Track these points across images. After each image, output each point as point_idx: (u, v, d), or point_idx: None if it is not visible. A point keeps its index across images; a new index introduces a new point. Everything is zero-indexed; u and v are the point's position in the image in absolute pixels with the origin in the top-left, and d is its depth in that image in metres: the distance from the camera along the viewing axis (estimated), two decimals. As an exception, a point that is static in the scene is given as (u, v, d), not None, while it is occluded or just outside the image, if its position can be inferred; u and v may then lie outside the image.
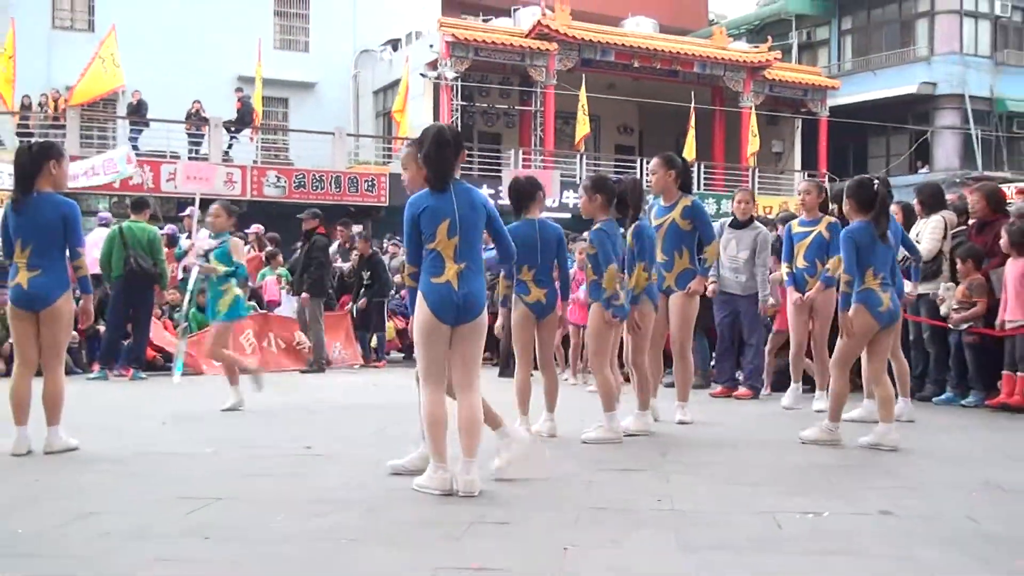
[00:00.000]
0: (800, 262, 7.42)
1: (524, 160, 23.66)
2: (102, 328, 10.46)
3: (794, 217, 8.37)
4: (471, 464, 4.23)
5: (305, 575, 3.08)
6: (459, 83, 23.62)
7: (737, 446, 5.84)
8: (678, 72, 25.91)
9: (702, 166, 25.57)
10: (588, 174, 23.72)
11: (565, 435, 6.01)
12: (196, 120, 21.77)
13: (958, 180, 23.90)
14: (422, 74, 23.62)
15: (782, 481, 4.67)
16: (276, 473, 4.84)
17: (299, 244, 12.06)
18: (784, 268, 7.64)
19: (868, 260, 5.52)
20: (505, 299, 6.02)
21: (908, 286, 7.18)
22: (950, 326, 7.77)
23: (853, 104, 28.29)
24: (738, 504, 4.13)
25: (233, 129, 22.09)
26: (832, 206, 7.87)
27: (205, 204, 13.75)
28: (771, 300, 8.27)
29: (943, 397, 7.93)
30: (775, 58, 26.78)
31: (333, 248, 13.47)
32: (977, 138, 28.09)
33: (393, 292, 12.94)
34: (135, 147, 19.00)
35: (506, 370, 9.96)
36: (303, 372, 11.24)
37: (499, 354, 11.06)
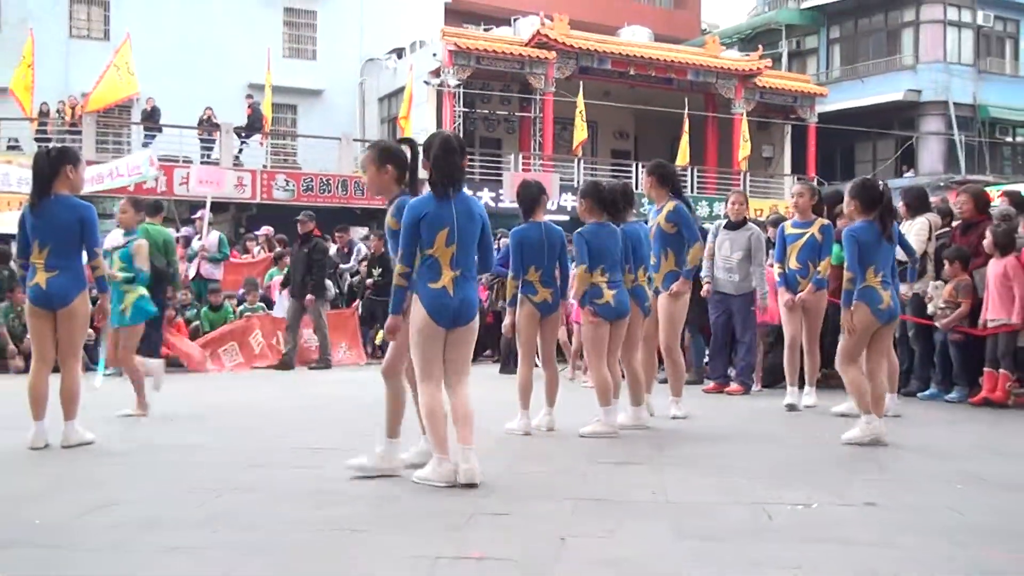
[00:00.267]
0: (793, 263, 7.33)
1: (524, 164, 23.66)
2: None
3: (784, 219, 8.37)
4: (470, 452, 4.24)
5: (312, 563, 3.08)
6: (461, 90, 23.62)
7: (729, 440, 5.84)
8: (672, 80, 25.92)
9: (695, 170, 25.60)
10: (585, 178, 23.89)
11: (563, 429, 6.02)
12: (208, 126, 21.76)
13: (942, 184, 23.88)
14: (425, 82, 23.62)
15: (772, 474, 4.66)
16: (283, 466, 4.83)
17: (294, 246, 11.93)
18: (776, 269, 7.56)
19: (870, 259, 5.47)
20: (513, 299, 6.03)
21: (903, 287, 7.14)
22: (936, 324, 7.77)
23: (841, 110, 28.29)
24: (730, 496, 4.13)
25: (244, 134, 22.09)
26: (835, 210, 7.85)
27: (216, 207, 13.85)
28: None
29: (928, 393, 7.93)
30: (765, 66, 26.80)
31: (332, 252, 13.47)
32: (960, 143, 28.10)
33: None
34: (149, 152, 19.02)
35: (506, 367, 9.96)
36: (311, 368, 11.24)
37: (500, 352, 11.09)
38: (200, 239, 13.02)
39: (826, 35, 31.13)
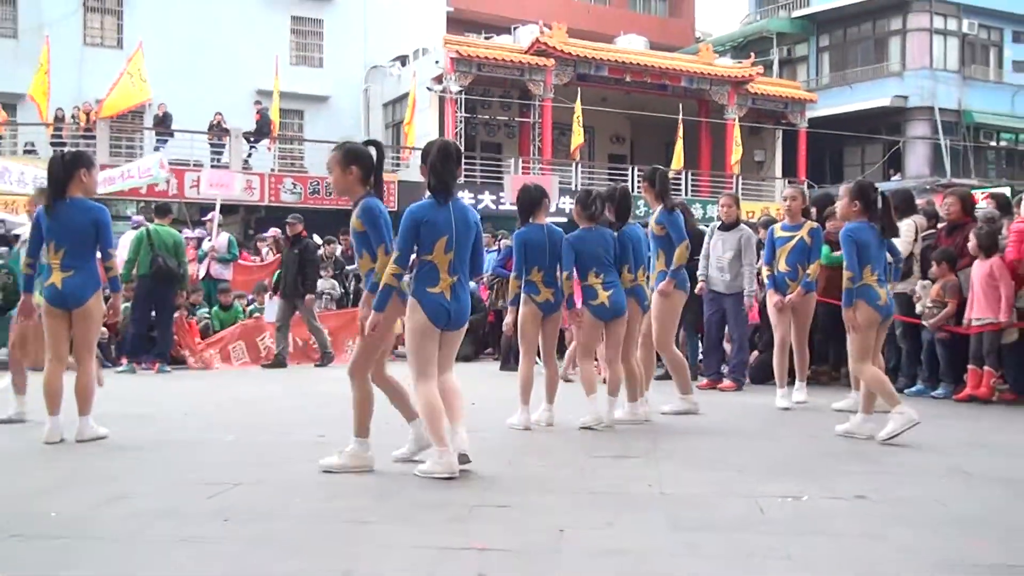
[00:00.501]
0: (782, 266, 7.23)
1: (524, 168, 23.66)
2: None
3: (775, 221, 8.37)
4: (458, 425, 4.41)
5: (319, 554, 3.08)
6: (463, 96, 23.62)
7: (722, 435, 5.84)
8: (667, 86, 25.90)
9: (689, 174, 25.63)
10: (583, 181, 23.90)
11: (562, 425, 6.02)
12: (218, 131, 21.77)
13: (928, 187, 23.92)
14: (428, 88, 23.62)
15: (764, 467, 4.67)
16: (292, 459, 4.84)
17: (284, 247, 11.77)
18: (765, 271, 7.50)
19: (867, 258, 5.43)
20: (515, 298, 6.03)
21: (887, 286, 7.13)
22: (924, 323, 7.77)
23: (830, 116, 28.32)
24: (723, 488, 4.13)
25: (252, 139, 22.10)
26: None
27: (226, 209, 13.88)
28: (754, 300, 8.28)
29: (914, 389, 7.93)
30: (757, 73, 26.79)
31: (338, 253, 13.47)
32: (946, 147, 28.11)
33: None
34: (160, 157, 19.03)
35: (507, 365, 9.96)
36: (317, 366, 11.22)
37: (500, 350, 11.08)
38: (210, 240, 13.02)
39: (816, 43, 31.15)
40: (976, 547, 3.19)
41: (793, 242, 7.20)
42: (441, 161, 4.41)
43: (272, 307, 11.85)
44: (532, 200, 5.92)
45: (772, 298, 7.30)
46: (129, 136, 22.06)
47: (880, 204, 5.60)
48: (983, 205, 9.92)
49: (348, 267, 13.33)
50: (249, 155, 22.05)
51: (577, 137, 23.61)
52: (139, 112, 22.14)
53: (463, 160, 4.61)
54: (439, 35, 25.00)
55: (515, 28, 26.45)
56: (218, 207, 13.85)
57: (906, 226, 7.88)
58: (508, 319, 6.26)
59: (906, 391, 7.90)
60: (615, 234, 6.23)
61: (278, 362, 10.96)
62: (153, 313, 10.37)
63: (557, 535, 3.31)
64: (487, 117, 25.93)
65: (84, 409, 5.37)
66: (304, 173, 22.35)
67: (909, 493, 4.07)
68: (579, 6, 32.68)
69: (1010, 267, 7.40)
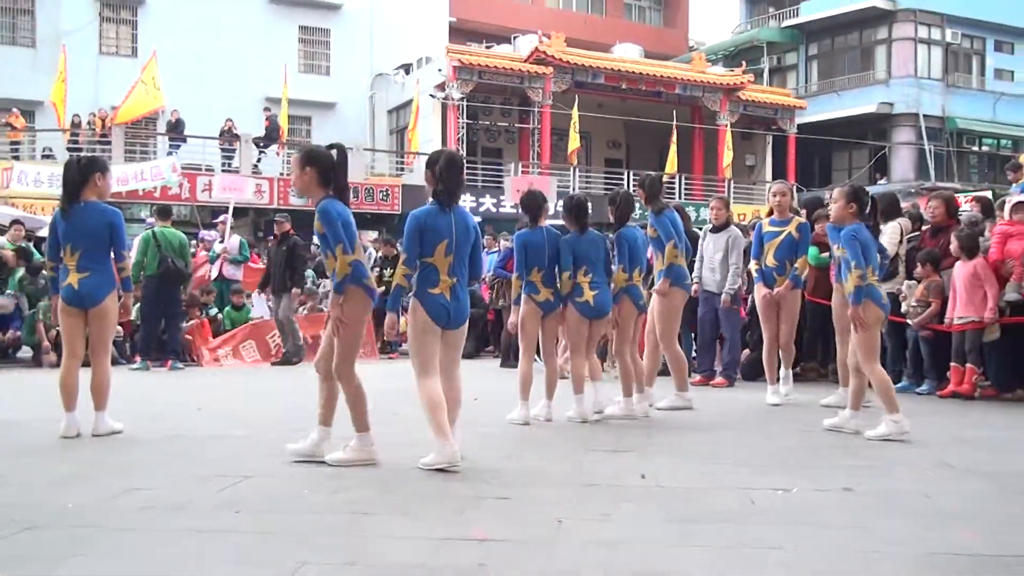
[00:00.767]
0: (770, 260, 7.08)
1: (523, 172, 23.63)
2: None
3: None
4: (455, 428, 4.48)
5: (326, 544, 3.08)
6: (465, 103, 23.64)
7: (714, 430, 5.83)
8: (661, 93, 25.92)
9: (683, 178, 25.63)
10: (580, 185, 23.88)
11: (560, 420, 6.02)
12: (228, 136, 21.77)
13: (913, 190, 23.90)
14: (431, 95, 23.63)
15: (755, 461, 4.66)
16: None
17: (272, 246, 11.64)
18: (753, 265, 7.37)
19: (870, 259, 5.33)
20: (517, 298, 6.04)
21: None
22: (908, 322, 7.77)
23: (818, 122, 28.33)
24: (716, 481, 4.13)
25: (262, 144, 22.10)
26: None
27: (237, 212, 13.89)
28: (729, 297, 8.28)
29: (900, 386, 7.89)
30: (748, 81, 26.81)
31: None
32: (930, 152, 28.12)
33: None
34: (173, 161, 19.03)
35: (507, 362, 9.96)
36: (274, 364, 10.92)
37: (500, 347, 11.08)
38: (222, 242, 13.02)
39: (805, 52, 31.15)
40: (960, 538, 3.19)
41: (781, 237, 7.06)
42: (447, 170, 4.48)
43: (261, 304, 11.81)
44: (536, 204, 5.97)
45: (760, 292, 7.18)
46: (143, 141, 22.08)
47: (879, 205, 5.57)
48: (966, 208, 9.92)
49: None
50: (259, 160, 22.05)
51: (573, 142, 23.63)
52: (153, 118, 22.19)
53: (464, 170, 4.65)
54: (442, 44, 25.02)
55: (515, 38, 26.47)
56: (231, 210, 13.85)
57: (892, 228, 7.86)
58: (512, 318, 6.25)
59: (892, 387, 7.90)
60: (609, 236, 6.24)
61: (287, 359, 10.92)
62: (162, 312, 10.34)
63: (556, 526, 3.31)
64: (488, 123, 25.95)
65: (100, 405, 5.37)
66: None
67: (895, 486, 4.08)
68: (577, 16, 32.67)
69: (993, 267, 7.40)
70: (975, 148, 30.44)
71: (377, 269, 12.80)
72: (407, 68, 26.10)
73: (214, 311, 11.89)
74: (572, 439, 5.39)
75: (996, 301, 7.27)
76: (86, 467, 4.49)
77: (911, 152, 28.48)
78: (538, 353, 6.38)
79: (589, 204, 6.46)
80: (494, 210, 21.52)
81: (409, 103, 23.66)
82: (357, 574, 2.80)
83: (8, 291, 10.74)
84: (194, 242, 14.07)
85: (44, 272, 10.45)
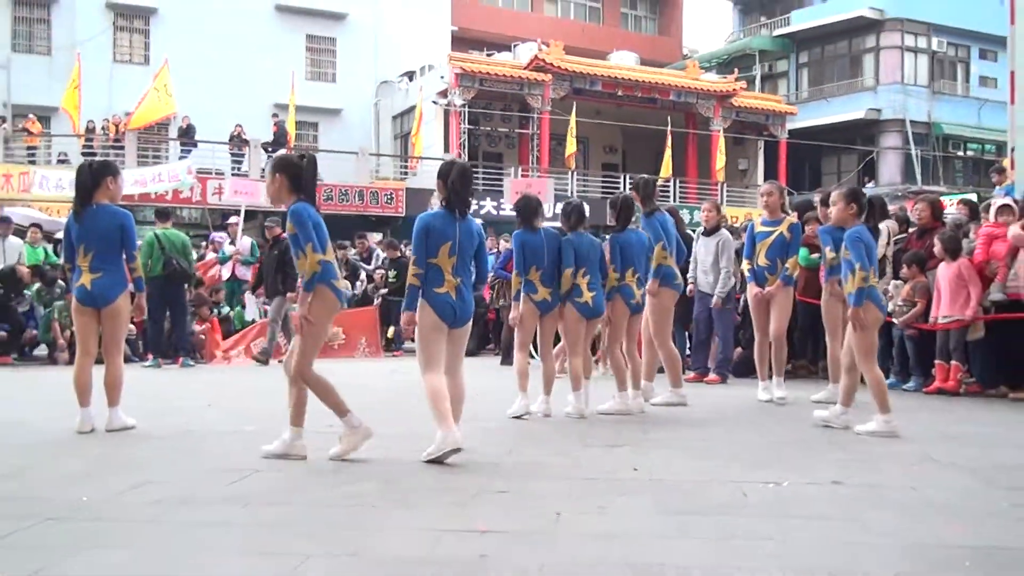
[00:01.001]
0: (762, 260, 6.98)
1: (523, 176, 23.65)
2: None
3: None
4: (459, 424, 4.49)
5: (332, 536, 3.08)
6: (466, 109, 23.63)
7: (707, 425, 5.83)
8: (656, 100, 25.91)
9: (677, 181, 25.62)
10: (578, 188, 23.87)
11: (558, 415, 6.02)
12: (238, 142, 21.78)
13: (900, 194, 23.90)
14: (434, 102, 23.63)
15: (747, 455, 4.66)
16: (307, 448, 4.83)
17: (264, 249, 11.60)
18: (745, 265, 7.28)
19: (872, 260, 5.26)
20: (517, 294, 6.06)
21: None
22: (894, 321, 7.76)
23: (809, 127, 28.34)
24: (709, 475, 4.13)
25: (270, 149, 22.08)
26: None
27: (246, 214, 13.90)
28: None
29: (887, 382, 7.88)
30: (741, 88, 26.81)
31: (354, 256, 13.44)
32: (916, 157, 28.11)
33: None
34: (185, 166, 19.04)
35: (507, 359, 9.96)
36: (254, 358, 10.81)
37: (500, 345, 11.07)
38: (232, 243, 13.02)
39: (795, 60, 31.16)
40: (946, 530, 3.19)
41: (772, 237, 6.95)
42: (459, 181, 4.55)
43: (252, 305, 11.77)
44: (531, 209, 6.00)
45: (751, 291, 7.12)
46: (156, 146, 22.08)
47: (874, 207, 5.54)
48: (952, 211, 9.93)
49: (366, 267, 13.30)
50: (267, 164, 22.01)
51: (571, 146, 23.63)
52: (165, 124, 22.19)
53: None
54: (444, 52, 25.02)
55: (515, 46, 26.46)
56: (242, 213, 13.85)
57: (879, 230, 7.85)
58: (512, 314, 6.28)
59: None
60: (606, 239, 6.27)
61: (259, 359, 10.65)
62: (168, 311, 10.33)
63: (554, 519, 3.30)
64: (489, 129, 25.94)
65: (113, 400, 5.36)
66: (319, 181, 22.32)
67: (883, 479, 4.07)
68: (575, 25, 32.67)
69: (978, 268, 7.40)
70: (960, 153, 30.44)
71: (382, 271, 12.82)
72: (410, 75, 26.10)
73: (226, 310, 11.89)
74: (570, 434, 5.39)
75: (979, 300, 7.27)
76: (100, 461, 4.50)
77: (898, 157, 28.48)
78: (536, 349, 6.38)
79: (587, 208, 6.50)
80: (495, 213, 21.51)
81: (412, 109, 23.66)
82: (361, 565, 2.79)
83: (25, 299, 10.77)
84: (204, 243, 14.11)
85: (59, 281, 10.49)
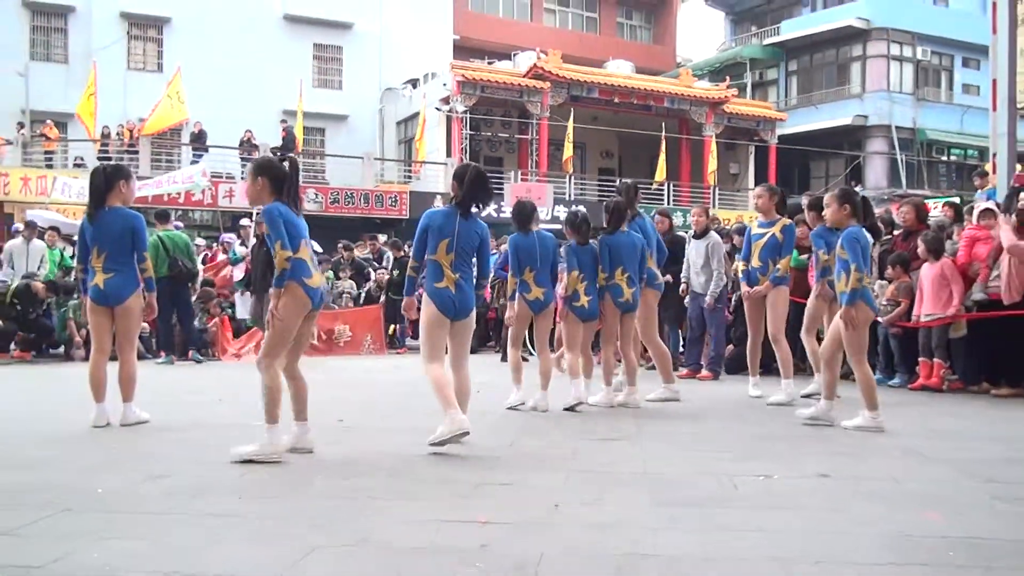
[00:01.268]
0: (755, 261, 6.90)
1: (522, 180, 23.65)
2: None
3: (745, 228, 8.35)
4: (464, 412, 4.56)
5: (338, 526, 3.08)
6: (468, 115, 23.61)
7: (700, 420, 5.83)
8: (651, 106, 25.90)
9: (671, 185, 25.61)
10: (575, 192, 23.84)
11: (556, 410, 6.02)
12: (248, 147, 21.76)
13: (886, 197, 23.90)
14: (437, 108, 23.61)
15: (738, 449, 4.66)
16: (316, 442, 4.83)
17: (254, 246, 11.42)
18: (740, 266, 7.23)
19: (867, 261, 5.22)
20: (513, 293, 6.13)
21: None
22: (880, 319, 7.76)
23: (798, 133, 28.32)
24: (701, 467, 4.13)
25: (279, 154, 21.99)
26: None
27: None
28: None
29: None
30: (732, 95, 26.79)
31: (367, 256, 13.44)
32: (902, 162, 28.11)
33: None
34: (197, 170, 19.03)
35: (507, 356, 9.95)
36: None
37: (501, 343, 11.07)
38: (243, 245, 13.01)
39: (785, 68, 31.15)
40: (929, 520, 3.19)
41: (765, 238, 6.88)
42: (474, 184, 4.63)
43: (244, 303, 11.73)
44: (526, 214, 6.06)
45: (744, 290, 7.08)
46: (168, 151, 22.07)
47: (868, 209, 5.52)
48: (936, 213, 9.93)
49: (378, 267, 13.28)
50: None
51: (567, 151, 23.63)
52: (178, 130, 22.17)
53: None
54: (446, 61, 25.00)
55: (515, 54, 26.44)
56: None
57: (878, 229, 7.82)
58: (509, 313, 6.33)
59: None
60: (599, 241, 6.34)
61: None
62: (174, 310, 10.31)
63: (552, 510, 3.31)
64: (489, 134, 25.91)
65: (127, 396, 5.37)
66: (325, 184, 22.35)
67: (869, 472, 4.07)
68: (572, 35, 32.64)
69: (961, 269, 7.40)
70: (944, 157, 30.42)
71: (384, 271, 12.83)
72: (414, 83, 26.08)
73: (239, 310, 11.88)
74: (568, 428, 5.39)
75: (961, 299, 7.27)
76: (115, 454, 4.50)
77: (884, 161, 28.47)
78: (531, 346, 6.43)
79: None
80: (495, 215, 21.47)
81: (416, 115, 23.64)
82: (365, 554, 2.79)
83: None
84: (215, 244, 14.10)
85: (72, 280, 10.49)
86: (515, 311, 6.09)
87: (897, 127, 28.15)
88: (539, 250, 5.97)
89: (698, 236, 8.44)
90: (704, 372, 8.50)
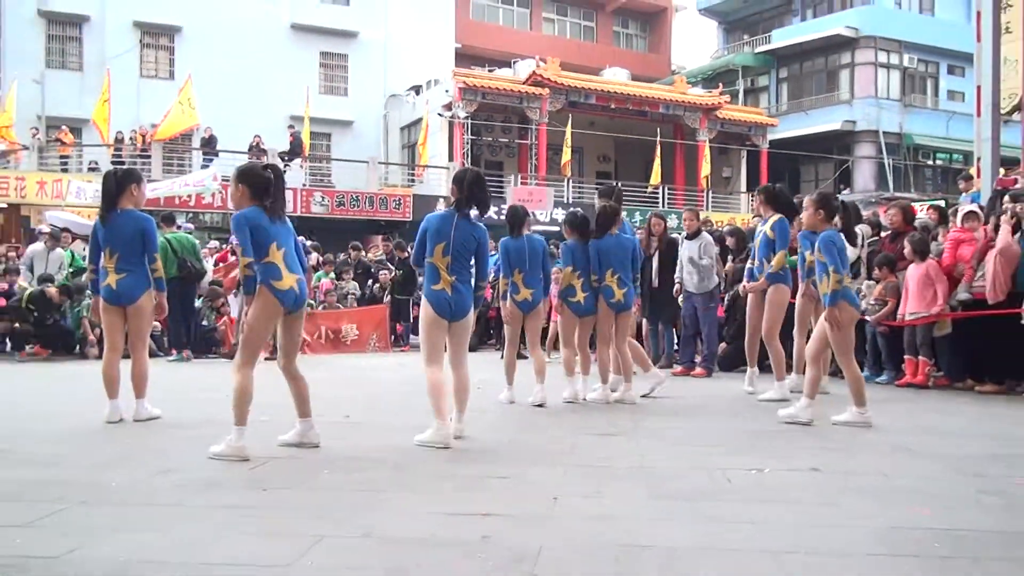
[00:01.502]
0: (755, 259, 6.78)
1: (522, 183, 23.65)
2: None
3: (740, 230, 8.38)
4: (462, 416, 4.60)
5: (344, 518, 3.07)
6: (469, 121, 23.61)
7: (694, 415, 5.83)
8: (646, 112, 25.90)
9: (666, 188, 25.61)
10: (573, 195, 23.83)
11: (553, 405, 6.01)
12: (256, 151, 21.71)
13: (873, 200, 23.89)
14: (439, 114, 23.61)
15: (731, 444, 4.66)
16: (322, 437, 4.82)
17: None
18: (749, 264, 7.04)
19: (845, 263, 5.18)
20: (505, 294, 6.18)
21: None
22: (867, 319, 7.76)
23: (788, 138, 28.32)
24: (695, 462, 4.12)
25: (286, 158, 22.08)
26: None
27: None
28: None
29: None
30: (725, 101, 26.80)
31: (381, 257, 13.43)
32: (889, 166, 28.10)
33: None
34: (207, 174, 19.03)
35: (507, 354, 9.97)
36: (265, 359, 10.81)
37: (501, 341, 11.07)
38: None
39: (776, 75, 31.14)
40: (917, 513, 3.19)
41: (760, 236, 6.79)
42: (473, 187, 4.65)
43: (234, 304, 11.69)
44: (519, 219, 6.13)
45: (742, 287, 7.03)
46: (180, 156, 22.07)
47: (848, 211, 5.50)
48: (922, 216, 9.91)
49: (391, 267, 13.27)
50: (284, 172, 21.96)
51: (565, 156, 23.64)
52: (188, 135, 22.16)
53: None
54: (448, 68, 25.02)
55: (515, 62, 26.46)
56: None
57: (855, 233, 7.83)
58: (504, 312, 6.36)
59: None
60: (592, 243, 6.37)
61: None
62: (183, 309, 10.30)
63: (551, 503, 3.30)
64: (490, 139, 25.91)
65: (140, 392, 5.36)
66: (331, 188, 22.35)
67: (858, 467, 4.06)
68: (570, 43, 32.65)
69: (946, 270, 7.40)
70: (930, 162, 30.40)
71: (387, 273, 12.84)
72: (417, 89, 26.08)
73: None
74: (566, 423, 5.39)
75: (945, 298, 7.26)
76: (127, 450, 4.49)
77: (872, 165, 28.46)
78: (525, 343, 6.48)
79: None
80: (496, 218, 21.49)
81: (419, 121, 23.64)
82: (370, 545, 2.79)
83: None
84: (225, 246, 14.10)
85: (82, 279, 10.49)
86: (506, 312, 6.13)
87: (884, 132, 28.14)
88: (528, 253, 6.04)
89: (690, 237, 8.47)
90: (698, 369, 8.49)
